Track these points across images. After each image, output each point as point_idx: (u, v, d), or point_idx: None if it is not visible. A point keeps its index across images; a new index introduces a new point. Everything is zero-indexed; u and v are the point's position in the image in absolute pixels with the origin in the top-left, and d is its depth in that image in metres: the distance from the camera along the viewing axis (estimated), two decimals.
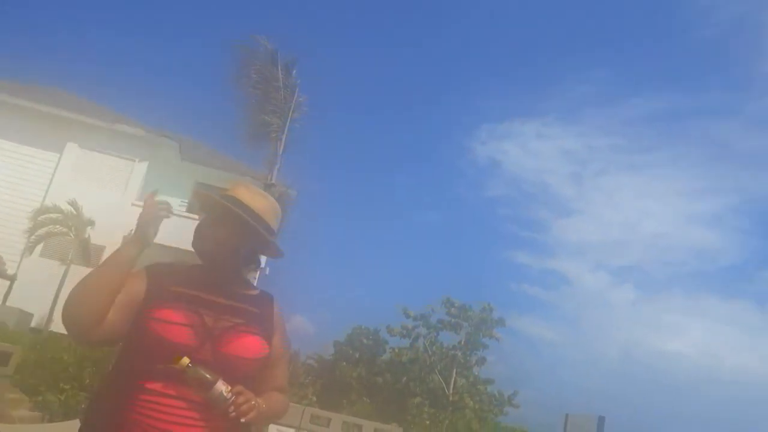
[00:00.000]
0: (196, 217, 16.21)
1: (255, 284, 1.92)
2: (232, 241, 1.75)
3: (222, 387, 1.54)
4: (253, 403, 1.56)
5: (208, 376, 1.54)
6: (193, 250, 1.81)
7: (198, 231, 1.79)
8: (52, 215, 14.00)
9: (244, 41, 17.91)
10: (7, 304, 12.85)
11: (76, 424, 4.62)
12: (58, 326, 10.98)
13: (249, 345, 1.67)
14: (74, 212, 14.06)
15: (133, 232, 1.71)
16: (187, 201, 18.66)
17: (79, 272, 14.55)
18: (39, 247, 14.43)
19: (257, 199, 1.80)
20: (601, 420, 12.31)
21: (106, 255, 15.60)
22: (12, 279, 13.71)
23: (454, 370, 13.66)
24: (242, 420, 1.55)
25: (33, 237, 13.88)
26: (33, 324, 11.64)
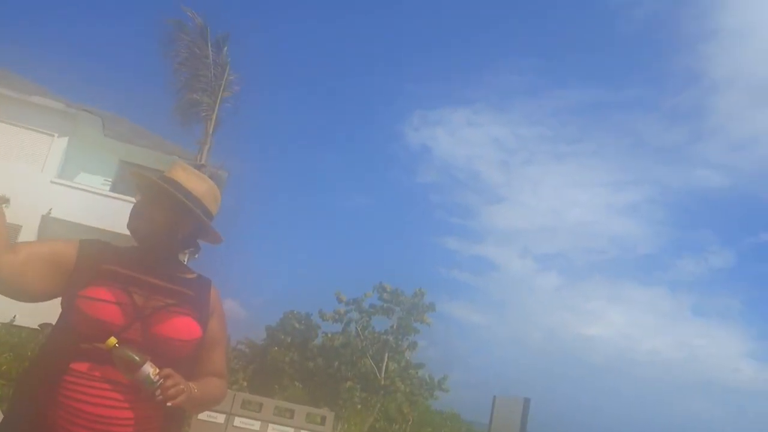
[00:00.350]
0: (120, 196, 15.59)
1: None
2: (168, 224, 1.70)
3: (150, 369, 1.48)
4: (181, 387, 1.51)
5: (135, 357, 1.47)
6: (117, 231, 1.75)
7: (134, 212, 1.73)
8: None
9: (173, 15, 17.28)
10: None
11: None
12: None
13: (180, 326, 1.62)
14: None
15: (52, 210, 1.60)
16: (110, 180, 17.90)
17: None
18: None
19: (196, 182, 1.75)
20: (526, 401, 12.76)
21: (23, 235, 14.82)
22: None
23: (386, 355, 13.81)
24: (169, 404, 1.50)
25: None
26: None
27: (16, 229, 14.69)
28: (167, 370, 1.50)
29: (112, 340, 1.48)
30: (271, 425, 8.19)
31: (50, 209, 15.53)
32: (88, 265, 1.62)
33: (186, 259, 11.53)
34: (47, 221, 15.51)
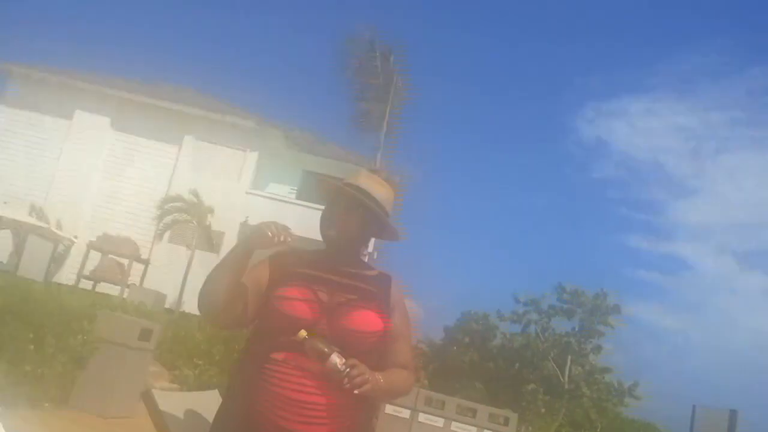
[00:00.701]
0: (305, 204, 16.77)
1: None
2: (356, 227, 1.84)
3: (337, 359, 1.60)
4: (367, 376, 1.60)
5: (324, 348, 1.61)
6: (303, 235, 1.91)
7: (326, 218, 1.87)
8: (176, 204, 14.96)
9: (345, 31, 18.30)
10: (144, 285, 13.88)
11: (212, 393, 4.98)
12: (188, 307, 11.74)
13: (362, 319, 1.74)
14: (195, 201, 14.94)
15: (249, 235, 1.77)
16: (295, 188, 19.33)
17: (203, 257, 15.48)
18: (167, 234, 15.52)
19: (378, 188, 1.88)
20: (733, 414, 11.41)
21: (225, 241, 16.54)
22: (146, 263, 14.88)
23: (569, 358, 13.20)
24: (356, 392, 1.59)
25: (161, 224, 14.93)
26: (167, 305, 12.53)
27: (220, 235, 16.47)
28: (353, 360, 1.61)
29: (303, 333, 1.64)
30: (454, 423, 8.21)
31: (247, 217, 17.18)
32: (279, 271, 1.82)
33: (366, 258, 12.03)
34: (245, 228, 17.17)
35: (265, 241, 1.70)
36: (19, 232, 14.34)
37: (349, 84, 18.34)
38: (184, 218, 14.94)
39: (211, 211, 15.11)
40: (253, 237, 1.72)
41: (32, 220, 13.76)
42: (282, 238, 1.69)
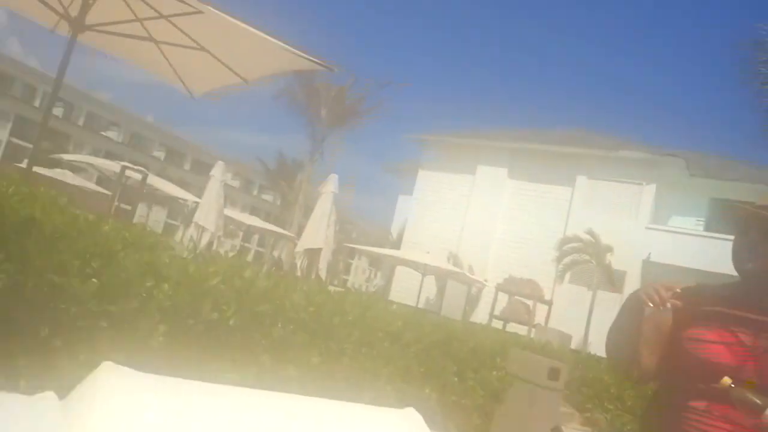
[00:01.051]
0: (716, 235, 14.94)
1: None
2: None
3: None
4: None
5: (756, 400, 1.41)
6: (714, 271, 1.64)
7: (741, 248, 1.65)
8: (573, 244, 15.22)
9: (744, 36, 15.98)
10: (549, 325, 14.40)
11: None
12: (594, 348, 11.61)
13: None
14: (592, 240, 14.90)
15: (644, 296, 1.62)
16: (702, 219, 17.57)
17: (605, 297, 15.30)
18: (568, 274, 15.86)
19: None
20: None
21: (627, 280, 16.03)
22: (549, 304, 15.46)
23: None
24: None
25: (561, 265, 15.37)
26: (572, 345, 12.69)
27: (621, 274, 15.96)
28: None
29: (727, 381, 1.46)
30: None
31: (649, 254, 16.25)
32: (688, 310, 1.64)
33: None
34: (647, 265, 16.26)
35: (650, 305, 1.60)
36: (441, 277, 16.58)
37: (758, 93, 15.84)
38: (582, 258, 15.06)
39: (609, 249, 14.85)
40: (638, 297, 1.63)
41: (450, 266, 15.72)
42: (665, 306, 1.56)
